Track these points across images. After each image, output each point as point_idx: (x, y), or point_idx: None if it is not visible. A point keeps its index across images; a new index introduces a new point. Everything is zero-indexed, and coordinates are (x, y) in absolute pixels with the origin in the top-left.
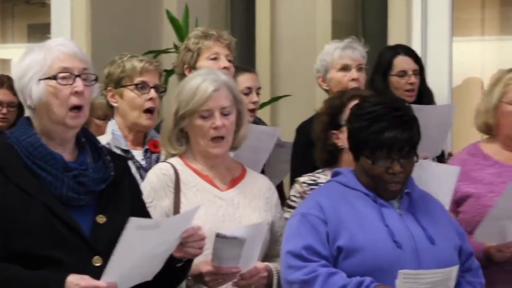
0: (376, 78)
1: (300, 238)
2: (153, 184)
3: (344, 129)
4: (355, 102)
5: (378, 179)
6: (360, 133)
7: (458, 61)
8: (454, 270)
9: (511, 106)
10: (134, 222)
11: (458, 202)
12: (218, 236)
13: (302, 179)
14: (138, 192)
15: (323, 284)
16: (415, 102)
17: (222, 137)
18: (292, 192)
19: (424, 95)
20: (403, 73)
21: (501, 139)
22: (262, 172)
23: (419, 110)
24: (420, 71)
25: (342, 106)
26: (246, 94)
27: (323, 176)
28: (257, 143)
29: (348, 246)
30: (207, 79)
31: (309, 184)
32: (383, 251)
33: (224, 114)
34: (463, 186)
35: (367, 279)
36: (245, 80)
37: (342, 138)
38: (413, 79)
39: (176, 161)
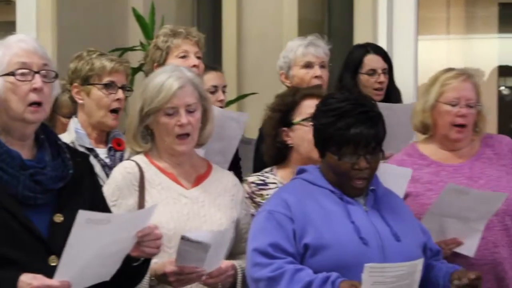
0: (345, 75)
1: (266, 236)
2: (118, 182)
3: (296, 127)
4: (308, 100)
5: (344, 175)
6: (326, 129)
7: (423, 59)
8: (419, 263)
9: (448, 106)
10: (83, 215)
11: None
12: (183, 238)
13: (250, 179)
14: (98, 191)
15: (290, 280)
16: (383, 101)
17: (187, 134)
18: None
19: (392, 94)
20: (372, 72)
21: (437, 139)
22: (235, 164)
23: (388, 108)
24: (389, 70)
25: (294, 104)
26: (212, 93)
27: (271, 176)
28: (224, 131)
29: (315, 243)
30: (172, 76)
31: (258, 184)
32: (350, 248)
33: (189, 111)
34: None
35: (333, 275)
36: (211, 78)
37: (292, 136)
38: (382, 78)
39: (140, 159)
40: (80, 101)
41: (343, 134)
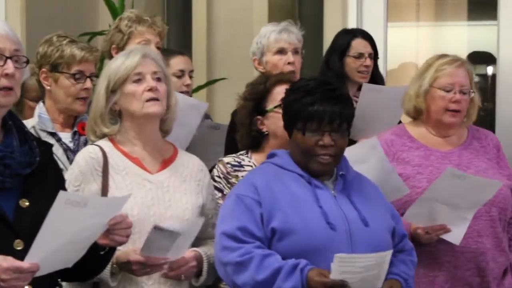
0: (332, 58)
1: (235, 219)
2: (81, 167)
3: (270, 115)
4: (279, 87)
5: (308, 151)
6: (293, 105)
7: (393, 46)
8: (388, 254)
9: (441, 91)
10: (63, 196)
11: None
12: (155, 228)
13: (226, 159)
14: (61, 179)
15: (258, 265)
16: None
17: (157, 99)
18: (216, 173)
19: (377, 79)
20: (359, 55)
21: (430, 124)
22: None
23: (378, 90)
24: (375, 57)
25: (266, 92)
26: (179, 77)
27: (246, 159)
28: (184, 118)
29: (282, 227)
30: (134, 50)
31: (233, 165)
32: (317, 233)
33: (156, 79)
34: None
35: (302, 262)
36: (177, 63)
37: (267, 124)
38: (369, 62)
39: (105, 143)
40: (47, 87)
41: (308, 109)
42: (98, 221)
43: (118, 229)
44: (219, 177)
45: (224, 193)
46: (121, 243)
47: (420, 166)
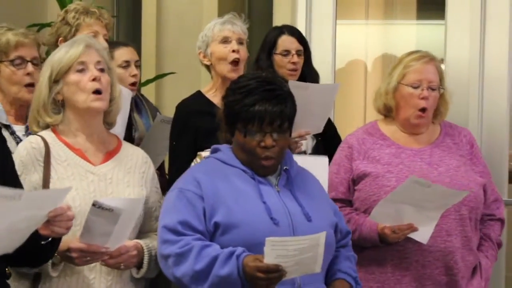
0: (261, 56)
1: (176, 213)
2: (22, 157)
3: None
4: None
5: (250, 153)
6: (233, 106)
7: (342, 44)
8: (321, 236)
9: (410, 88)
10: None
11: (355, 180)
12: (94, 205)
13: (204, 153)
14: (9, 165)
15: (197, 255)
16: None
17: (100, 92)
18: (193, 165)
19: (308, 76)
20: (286, 53)
21: (399, 121)
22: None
23: (305, 88)
24: (305, 52)
25: None
26: (124, 67)
27: None
28: None
29: (225, 222)
30: (77, 40)
31: None
32: (260, 228)
33: (99, 69)
34: (362, 165)
35: (239, 249)
36: (121, 54)
37: None
38: (296, 58)
39: (47, 134)
40: None
41: (248, 110)
42: (36, 213)
43: (59, 221)
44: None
45: None
46: (60, 234)
47: (390, 165)
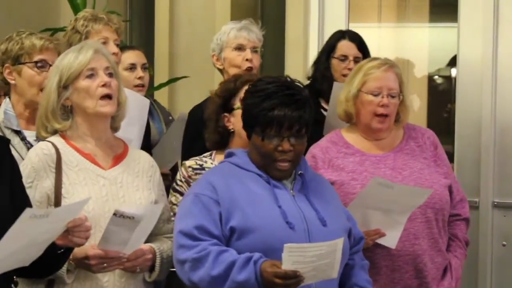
0: (321, 58)
1: (192, 218)
2: (34, 164)
3: (236, 112)
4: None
5: (267, 156)
6: (252, 109)
7: None
8: (339, 242)
9: (370, 95)
10: (28, 212)
11: None
12: (115, 214)
13: (188, 163)
14: (18, 176)
15: (214, 261)
16: None
17: (110, 96)
18: (178, 176)
19: None
20: (344, 58)
21: (360, 128)
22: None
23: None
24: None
25: (235, 90)
26: (130, 70)
27: (209, 161)
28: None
29: (241, 226)
30: (85, 45)
31: (194, 169)
32: (276, 232)
33: (108, 74)
34: (327, 174)
35: (256, 254)
36: (127, 57)
37: (233, 122)
38: (352, 65)
39: (57, 140)
40: (12, 82)
41: (267, 115)
42: (57, 226)
43: (78, 231)
44: (181, 181)
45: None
46: (79, 245)
47: (354, 172)
